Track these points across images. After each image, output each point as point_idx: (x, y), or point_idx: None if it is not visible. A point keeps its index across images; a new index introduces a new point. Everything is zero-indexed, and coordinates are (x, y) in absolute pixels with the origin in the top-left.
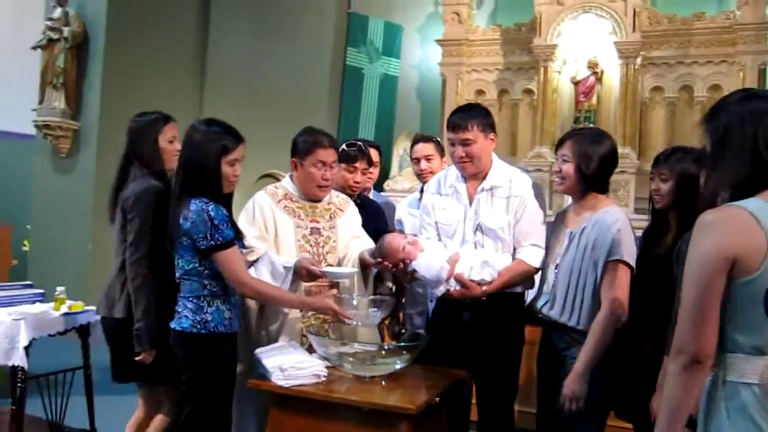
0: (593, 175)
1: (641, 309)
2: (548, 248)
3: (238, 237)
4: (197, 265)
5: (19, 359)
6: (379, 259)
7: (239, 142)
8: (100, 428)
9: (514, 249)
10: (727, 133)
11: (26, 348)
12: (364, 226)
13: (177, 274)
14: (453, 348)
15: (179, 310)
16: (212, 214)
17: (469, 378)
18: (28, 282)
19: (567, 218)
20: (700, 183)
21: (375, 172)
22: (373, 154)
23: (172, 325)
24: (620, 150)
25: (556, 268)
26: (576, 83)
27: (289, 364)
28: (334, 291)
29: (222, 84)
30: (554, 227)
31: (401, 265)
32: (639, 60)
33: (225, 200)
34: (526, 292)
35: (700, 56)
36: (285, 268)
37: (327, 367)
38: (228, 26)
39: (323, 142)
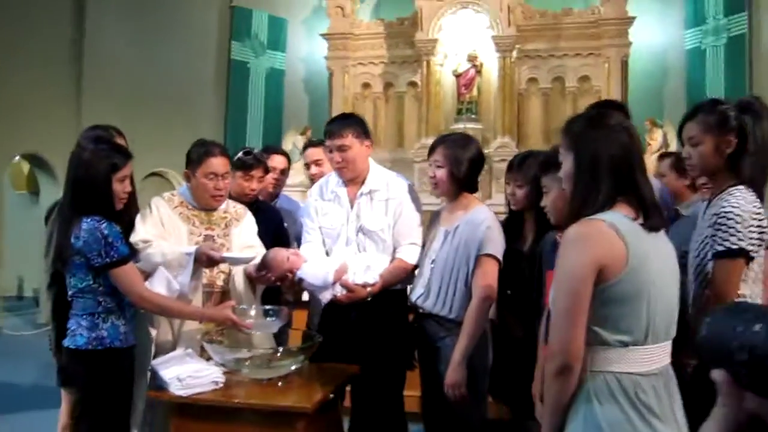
0: (464, 177)
1: (509, 298)
2: (424, 245)
3: (133, 253)
4: (91, 282)
5: None
6: (263, 272)
7: (128, 159)
8: None
9: (394, 248)
10: (588, 160)
11: None
12: (264, 231)
13: (69, 293)
14: (343, 345)
15: (72, 327)
16: (105, 232)
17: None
18: None
19: (441, 217)
20: (542, 185)
21: (284, 179)
22: (281, 161)
23: (66, 343)
24: (500, 139)
25: (432, 263)
26: (457, 76)
27: (186, 374)
28: (232, 302)
29: (101, 79)
30: (430, 226)
31: (289, 275)
32: (515, 53)
33: (116, 217)
34: (408, 288)
35: (570, 49)
36: (186, 254)
37: (225, 373)
38: (106, 19)
39: (214, 152)
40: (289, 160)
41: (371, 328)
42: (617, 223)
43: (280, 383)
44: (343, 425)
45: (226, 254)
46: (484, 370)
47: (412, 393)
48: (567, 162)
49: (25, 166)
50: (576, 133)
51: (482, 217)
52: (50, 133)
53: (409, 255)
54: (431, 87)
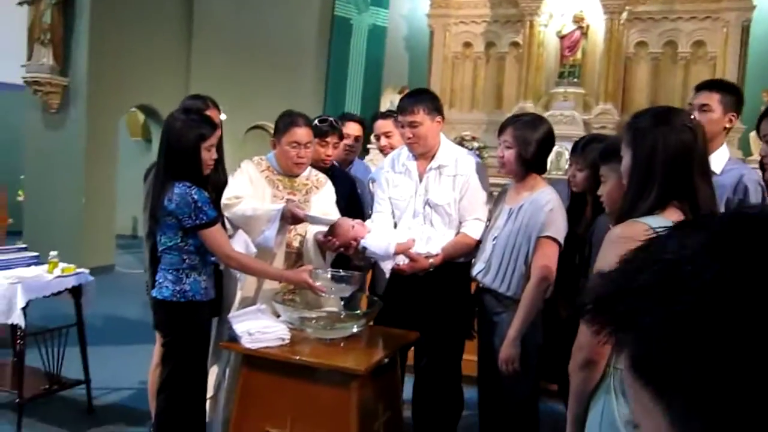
0: (532, 158)
1: (559, 279)
2: (489, 222)
3: (219, 215)
4: (179, 241)
5: (16, 318)
6: (329, 237)
7: (214, 130)
8: (94, 378)
9: (459, 223)
10: (645, 158)
11: (23, 308)
12: (339, 194)
13: (159, 249)
14: (407, 312)
15: (160, 280)
16: (195, 196)
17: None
18: (23, 245)
19: (507, 196)
20: (600, 174)
21: (357, 145)
22: (356, 128)
23: (153, 293)
24: (602, 106)
25: (494, 240)
26: (561, 37)
27: (256, 329)
28: (310, 267)
29: (210, 38)
30: (496, 202)
31: (353, 243)
32: (624, 15)
33: (204, 182)
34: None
35: (685, 11)
36: (275, 210)
37: (293, 331)
38: None
39: (298, 123)
40: (364, 128)
41: (434, 298)
42: (660, 228)
43: (342, 344)
44: (405, 385)
45: (309, 213)
46: (535, 348)
47: (470, 358)
48: (626, 158)
49: (141, 116)
50: (637, 128)
51: (546, 199)
52: (162, 86)
53: (473, 230)
54: (533, 48)
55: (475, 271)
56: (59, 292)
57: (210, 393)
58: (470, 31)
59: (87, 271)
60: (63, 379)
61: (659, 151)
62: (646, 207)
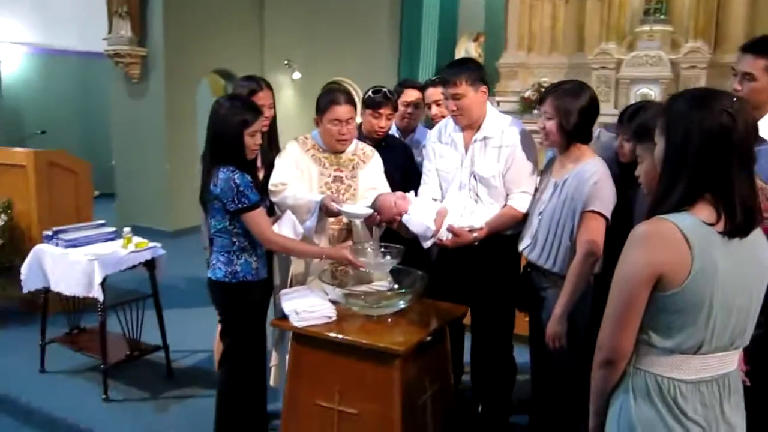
0: (574, 129)
1: (610, 254)
2: (535, 195)
3: (262, 199)
4: (227, 224)
5: (95, 292)
6: (375, 213)
7: (258, 116)
8: (175, 341)
9: (507, 195)
10: (677, 147)
11: (102, 283)
12: (392, 167)
13: (210, 231)
14: (457, 284)
15: (213, 262)
16: (238, 181)
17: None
18: (101, 221)
19: (554, 168)
20: (637, 154)
21: (418, 112)
22: (416, 94)
23: (209, 274)
24: (691, 43)
25: (540, 215)
26: None
27: (302, 308)
28: (350, 243)
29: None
30: (543, 174)
31: (396, 218)
32: None
33: (249, 166)
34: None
35: None
36: (314, 201)
37: (342, 307)
38: None
39: (339, 101)
40: (423, 93)
41: (482, 270)
42: (688, 228)
43: (390, 320)
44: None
45: (342, 207)
46: (583, 325)
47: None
48: (659, 145)
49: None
50: (672, 113)
51: (591, 171)
52: (237, 50)
53: (520, 203)
54: None
55: (521, 246)
56: (134, 266)
57: (273, 362)
58: None
59: (159, 245)
60: (143, 344)
61: (693, 138)
62: (674, 201)
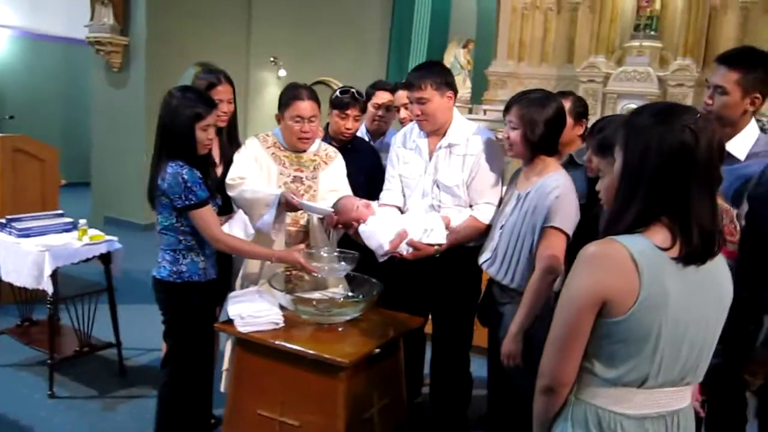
0: (539, 140)
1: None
2: (499, 207)
3: (212, 197)
4: (174, 221)
5: (45, 284)
6: (333, 212)
7: (211, 109)
8: (131, 338)
9: (470, 205)
10: (633, 164)
11: (52, 275)
12: (357, 169)
13: (157, 228)
14: (415, 294)
15: (159, 260)
16: (186, 177)
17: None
18: (60, 211)
19: (519, 179)
20: (597, 168)
21: (389, 115)
22: (388, 97)
23: (153, 273)
24: (680, 61)
25: (501, 228)
26: None
27: (248, 312)
28: (302, 246)
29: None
30: (509, 186)
31: (354, 224)
32: None
33: (199, 162)
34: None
35: None
36: (273, 195)
37: (291, 314)
38: None
39: (301, 96)
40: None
41: (442, 281)
42: (639, 252)
43: (340, 329)
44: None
45: (303, 201)
46: (541, 343)
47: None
48: (618, 161)
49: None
50: (632, 127)
51: (553, 186)
52: (222, 43)
53: (483, 214)
54: None
55: (481, 259)
56: (88, 259)
57: (225, 366)
58: None
59: (116, 238)
60: (94, 341)
61: (651, 155)
62: (628, 222)
